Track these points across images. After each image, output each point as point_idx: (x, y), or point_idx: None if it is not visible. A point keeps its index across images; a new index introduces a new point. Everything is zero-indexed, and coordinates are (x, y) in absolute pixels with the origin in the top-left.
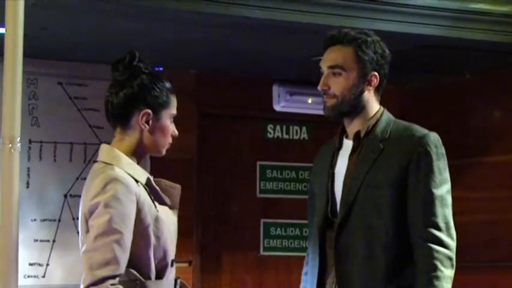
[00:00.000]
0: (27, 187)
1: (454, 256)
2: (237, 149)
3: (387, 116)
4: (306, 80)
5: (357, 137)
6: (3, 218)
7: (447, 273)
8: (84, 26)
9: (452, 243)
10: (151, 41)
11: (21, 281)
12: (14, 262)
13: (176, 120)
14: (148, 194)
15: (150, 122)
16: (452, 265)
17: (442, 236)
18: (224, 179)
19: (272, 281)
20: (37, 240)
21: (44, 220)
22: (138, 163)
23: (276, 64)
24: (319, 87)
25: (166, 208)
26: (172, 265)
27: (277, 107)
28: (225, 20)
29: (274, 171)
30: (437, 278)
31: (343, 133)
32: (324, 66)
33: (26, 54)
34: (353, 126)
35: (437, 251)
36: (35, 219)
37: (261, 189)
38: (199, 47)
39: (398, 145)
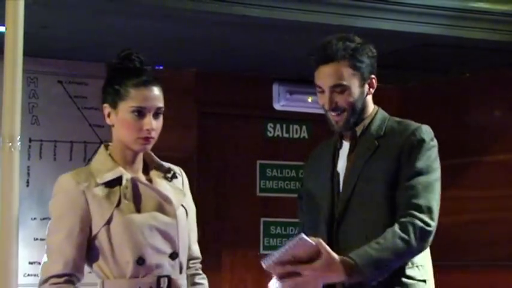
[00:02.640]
0: (27, 186)
1: (430, 234)
2: (237, 147)
3: (382, 114)
4: (306, 78)
5: (353, 137)
6: (3, 216)
7: (412, 242)
8: (85, 25)
9: (433, 223)
10: (151, 40)
11: (21, 280)
12: (14, 260)
13: (176, 118)
14: (107, 195)
15: (111, 116)
16: (424, 240)
17: (423, 216)
18: (224, 178)
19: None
20: (37, 239)
21: (44, 219)
22: (127, 159)
23: (276, 63)
24: (326, 107)
25: (148, 206)
26: (141, 264)
27: (277, 106)
28: (225, 18)
29: (274, 170)
30: (402, 239)
31: (342, 134)
32: (325, 86)
33: (26, 53)
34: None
35: (413, 223)
36: (35, 218)
37: (261, 188)
38: (200, 45)
39: (392, 139)
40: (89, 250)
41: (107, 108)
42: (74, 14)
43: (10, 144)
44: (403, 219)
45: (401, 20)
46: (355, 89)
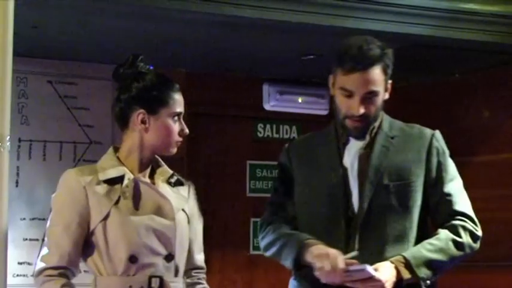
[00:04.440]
0: (17, 186)
1: (479, 239)
2: (226, 148)
3: (386, 115)
4: (297, 79)
5: (369, 134)
6: None
7: (466, 244)
8: (75, 25)
9: (479, 229)
10: (141, 40)
11: (10, 280)
12: (3, 261)
13: None
14: (107, 192)
15: (148, 121)
16: (476, 243)
17: (470, 221)
18: (214, 178)
19: (262, 281)
20: (26, 239)
21: (33, 219)
22: (142, 163)
23: (266, 63)
24: (355, 113)
25: (145, 206)
26: (133, 262)
27: (267, 106)
28: (216, 18)
29: (264, 171)
30: (455, 241)
31: (346, 130)
32: (360, 92)
33: (15, 53)
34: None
35: (464, 227)
36: (24, 218)
37: (251, 188)
38: (190, 46)
39: (409, 142)
40: (85, 245)
41: (142, 114)
42: (63, 14)
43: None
44: (454, 222)
45: (391, 20)
46: (381, 95)
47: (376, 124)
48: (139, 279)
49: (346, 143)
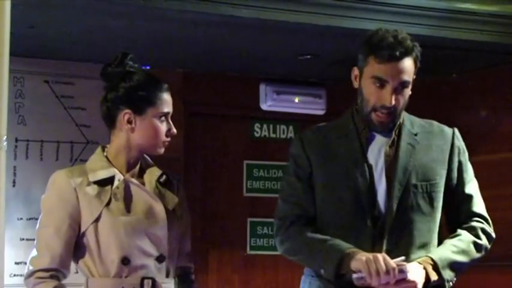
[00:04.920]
0: (14, 186)
1: (493, 240)
2: (224, 148)
3: (404, 111)
4: (293, 79)
5: (390, 130)
6: None
7: (484, 247)
8: (71, 25)
9: (493, 231)
10: (138, 40)
11: (7, 280)
12: (0, 261)
13: None
14: (98, 194)
15: (134, 121)
16: (490, 245)
17: (487, 224)
18: (211, 178)
19: (259, 280)
20: (23, 239)
21: (30, 219)
22: (130, 163)
23: (263, 63)
24: (387, 103)
25: (137, 207)
26: (126, 263)
27: (264, 106)
28: (212, 18)
29: (261, 170)
30: (476, 244)
31: (369, 125)
32: (394, 82)
33: (12, 53)
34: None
35: (483, 229)
36: (21, 218)
37: (248, 188)
38: (187, 45)
39: (432, 139)
40: (76, 247)
41: (128, 114)
42: (60, 14)
43: None
44: (473, 224)
45: (388, 20)
46: (409, 88)
47: (400, 120)
48: (132, 281)
49: (371, 138)
